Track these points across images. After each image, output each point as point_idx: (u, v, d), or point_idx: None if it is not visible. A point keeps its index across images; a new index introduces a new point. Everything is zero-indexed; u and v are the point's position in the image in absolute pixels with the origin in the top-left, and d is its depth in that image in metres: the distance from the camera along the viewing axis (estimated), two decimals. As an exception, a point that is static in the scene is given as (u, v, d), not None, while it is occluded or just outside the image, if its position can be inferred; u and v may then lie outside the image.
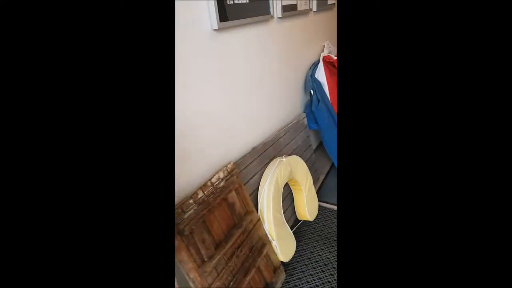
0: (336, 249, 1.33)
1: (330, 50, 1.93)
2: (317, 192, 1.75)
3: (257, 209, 1.18)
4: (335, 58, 1.73)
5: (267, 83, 1.39)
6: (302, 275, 1.23)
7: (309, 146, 1.78)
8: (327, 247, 1.34)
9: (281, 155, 1.42)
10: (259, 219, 1.16)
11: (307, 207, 1.45)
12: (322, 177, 1.92)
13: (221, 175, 1.04)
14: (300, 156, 1.63)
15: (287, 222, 1.40)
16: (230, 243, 0.99)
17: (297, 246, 1.32)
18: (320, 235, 1.42)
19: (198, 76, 0.98)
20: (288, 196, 1.48)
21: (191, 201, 0.91)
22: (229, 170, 1.08)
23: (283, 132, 1.50)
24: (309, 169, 1.72)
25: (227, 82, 1.12)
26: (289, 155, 1.52)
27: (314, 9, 1.71)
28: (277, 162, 1.28)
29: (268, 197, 1.17)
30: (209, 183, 0.99)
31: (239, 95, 1.20)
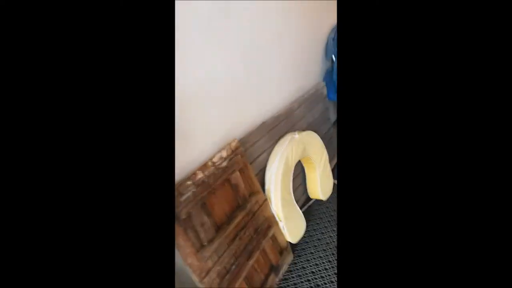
0: (349, 231, 1.25)
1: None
2: (333, 171, 1.63)
3: (263, 189, 1.11)
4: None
5: (280, 46, 1.21)
6: (311, 257, 1.18)
7: (328, 119, 1.63)
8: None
9: (294, 131, 1.30)
10: (265, 200, 1.09)
11: (320, 185, 1.36)
12: (339, 153, 1.79)
13: (224, 154, 0.95)
14: (316, 131, 1.50)
15: (298, 201, 1.33)
16: (233, 225, 0.93)
17: (307, 227, 1.26)
18: (332, 215, 1.34)
19: (200, 37, 0.85)
20: (300, 174, 1.38)
21: (189, 182, 0.84)
22: (232, 148, 0.98)
23: (298, 104, 1.36)
24: (325, 145, 1.59)
25: (232, 44, 0.97)
26: (304, 130, 1.39)
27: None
28: (288, 139, 1.17)
29: (276, 177, 1.08)
30: (209, 163, 0.91)
31: (246, 59, 1.05)
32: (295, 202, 1.17)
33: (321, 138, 1.57)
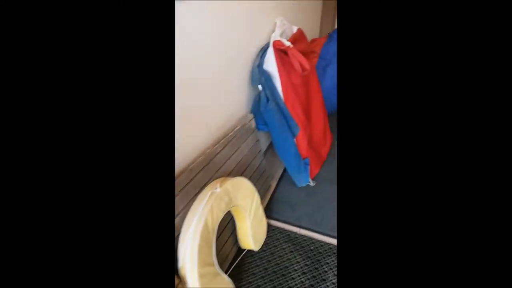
0: (288, 286, 1.12)
1: (283, 30, 1.56)
2: (267, 205, 1.50)
3: (176, 269, 0.88)
4: (288, 44, 1.37)
5: (198, 72, 1.00)
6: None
7: (259, 152, 1.49)
8: (275, 284, 1.13)
9: (219, 176, 1.11)
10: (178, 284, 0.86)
11: (252, 234, 1.20)
12: (274, 184, 1.67)
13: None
14: (247, 167, 1.34)
15: (228, 256, 1.14)
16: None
17: (238, 287, 1.09)
18: (267, 269, 1.20)
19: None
20: (229, 223, 1.20)
21: None
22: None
23: (222, 145, 1.17)
24: (259, 177, 1.45)
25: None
26: (232, 170, 1.21)
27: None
28: (208, 195, 0.96)
29: (192, 249, 0.87)
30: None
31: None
32: (220, 271, 0.98)
33: (254, 173, 1.42)
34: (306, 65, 1.36)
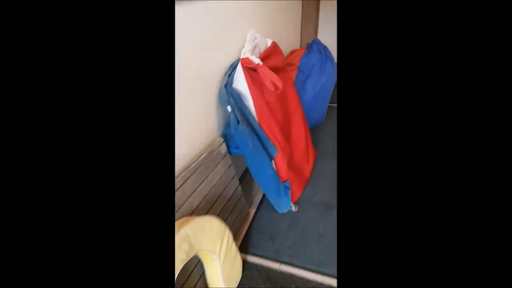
0: None
1: (255, 43, 1.45)
2: (245, 237, 1.36)
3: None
4: (257, 62, 1.25)
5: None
6: None
7: (233, 177, 1.35)
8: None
9: (178, 219, 0.96)
10: None
11: (224, 278, 1.05)
12: (253, 211, 1.53)
13: None
14: (218, 198, 1.20)
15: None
16: None
17: None
18: (241, 317, 1.04)
19: None
20: (198, 264, 1.05)
21: None
22: None
23: (182, 180, 1.02)
24: (233, 207, 1.31)
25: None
26: (194, 211, 1.07)
27: (224, -13, 1.18)
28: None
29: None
30: None
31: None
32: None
33: (226, 203, 1.28)
34: (278, 83, 1.24)
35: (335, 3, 3.13)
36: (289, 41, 2.53)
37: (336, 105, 2.58)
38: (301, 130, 1.74)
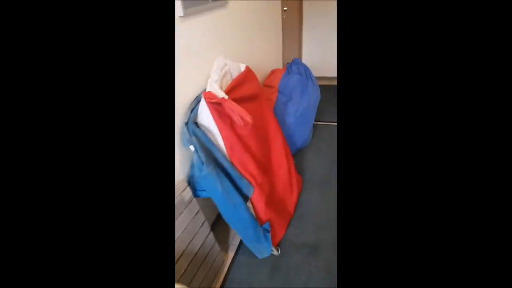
0: None
1: (226, 71, 1.31)
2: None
3: None
4: (221, 96, 1.10)
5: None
6: None
7: (202, 225, 1.17)
8: None
9: None
10: None
11: None
12: (230, 256, 1.35)
13: None
14: (183, 251, 1.03)
15: None
16: None
17: None
18: None
19: None
20: None
21: None
22: None
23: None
24: (204, 259, 1.15)
25: None
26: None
27: (180, 13, 1.04)
28: None
29: None
30: None
31: None
32: None
33: (194, 257, 1.10)
34: (247, 118, 1.09)
35: (320, 13, 3.05)
36: (271, 60, 2.42)
37: (322, 123, 2.45)
38: (282, 159, 1.59)
